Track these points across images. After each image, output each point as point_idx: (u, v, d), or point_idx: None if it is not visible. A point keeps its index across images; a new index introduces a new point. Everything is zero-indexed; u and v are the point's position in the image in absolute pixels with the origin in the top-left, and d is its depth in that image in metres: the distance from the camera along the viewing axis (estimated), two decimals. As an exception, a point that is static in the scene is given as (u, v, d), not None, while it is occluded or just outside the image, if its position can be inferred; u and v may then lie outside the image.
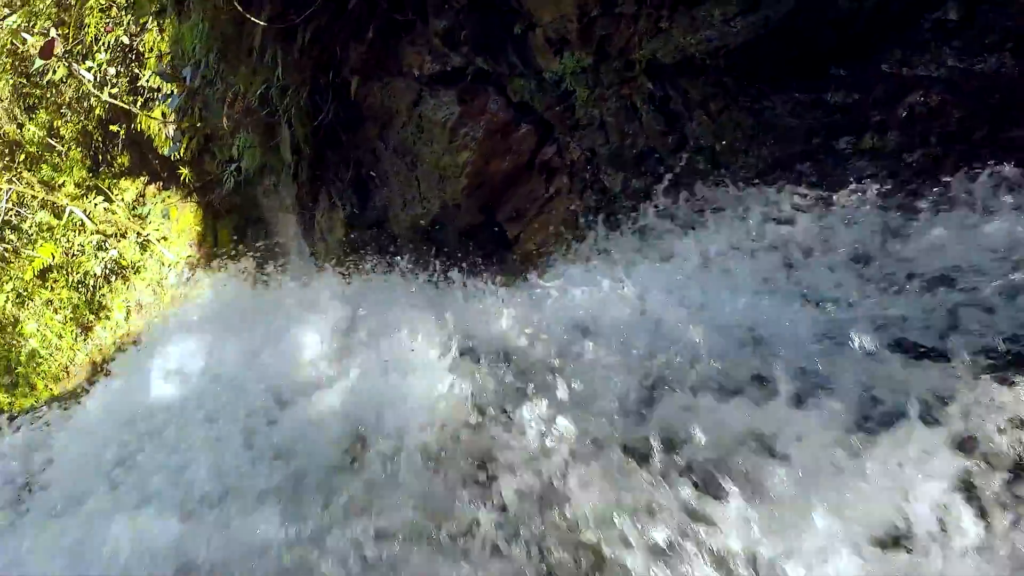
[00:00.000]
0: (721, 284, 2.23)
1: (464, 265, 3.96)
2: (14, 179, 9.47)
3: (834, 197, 2.52)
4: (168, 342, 3.21)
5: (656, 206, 3.03)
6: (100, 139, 9.64)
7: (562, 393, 1.84)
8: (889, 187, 2.48)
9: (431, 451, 1.79)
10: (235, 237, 9.02)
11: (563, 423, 1.71)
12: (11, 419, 3.19)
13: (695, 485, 1.49)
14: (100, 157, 9.76)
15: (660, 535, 1.43)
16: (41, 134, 9.56)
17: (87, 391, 3.29)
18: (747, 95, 2.90)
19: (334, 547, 1.60)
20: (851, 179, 2.56)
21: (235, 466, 2.02)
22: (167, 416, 2.55)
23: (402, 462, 1.81)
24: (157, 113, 8.68)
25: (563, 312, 2.29)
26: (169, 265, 9.58)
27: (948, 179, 2.38)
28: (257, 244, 8.69)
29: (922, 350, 1.75)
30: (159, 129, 8.79)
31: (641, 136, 3.28)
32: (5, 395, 10.37)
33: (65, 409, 3.16)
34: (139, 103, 8.73)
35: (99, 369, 10.13)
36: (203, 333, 3.18)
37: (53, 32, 7.98)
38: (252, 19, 4.53)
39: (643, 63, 3.02)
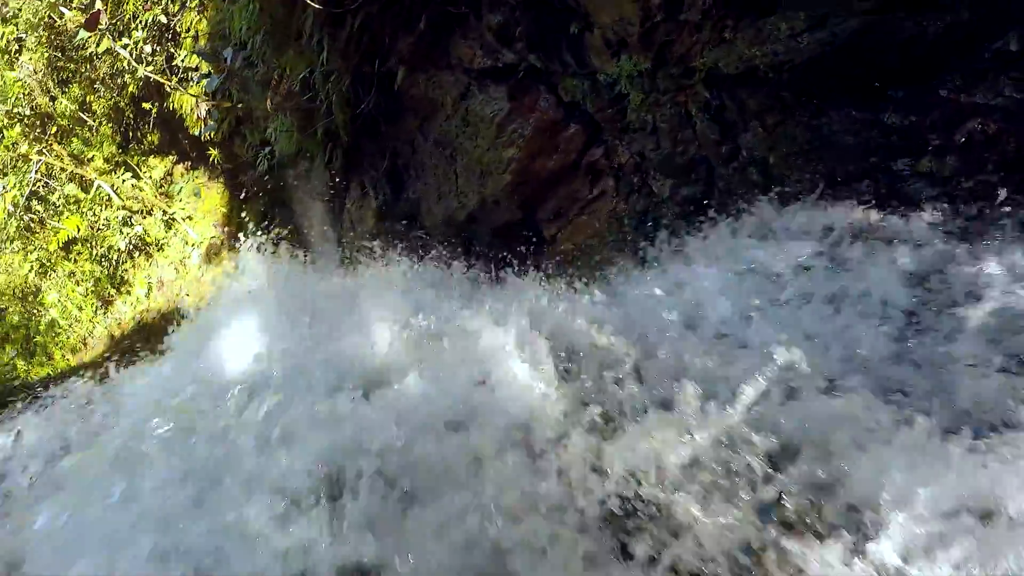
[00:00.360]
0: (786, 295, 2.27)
1: (513, 261, 4.03)
2: (44, 151, 9.55)
3: (892, 217, 2.56)
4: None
5: (708, 214, 3.07)
6: (131, 116, 9.70)
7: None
8: (946, 211, 2.52)
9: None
10: (261, 221, 9.08)
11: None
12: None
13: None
14: (130, 134, 9.83)
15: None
16: (73, 108, 9.63)
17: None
18: (804, 110, 2.94)
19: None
20: (908, 200, 2.60)
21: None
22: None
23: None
24: (192, 93, 8.74)
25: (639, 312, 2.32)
26: (193, 244, 9.65)
27: (1007, 208, 2.42)
28: (284, 229, 8.77)
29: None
30: (191, 109, 8.85)
31: (693, 144, 3.32)
32: (23, 363, 10.48)
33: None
34: (173, 82, 8.79)
35: (117, 342, 10.23)
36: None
37: (99, 3, 8.04)
38: (308, 1, 4.57)
39: (703, 71, 3.07)
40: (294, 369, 2.51)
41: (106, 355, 9.62)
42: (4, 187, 9.16)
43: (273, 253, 5.47)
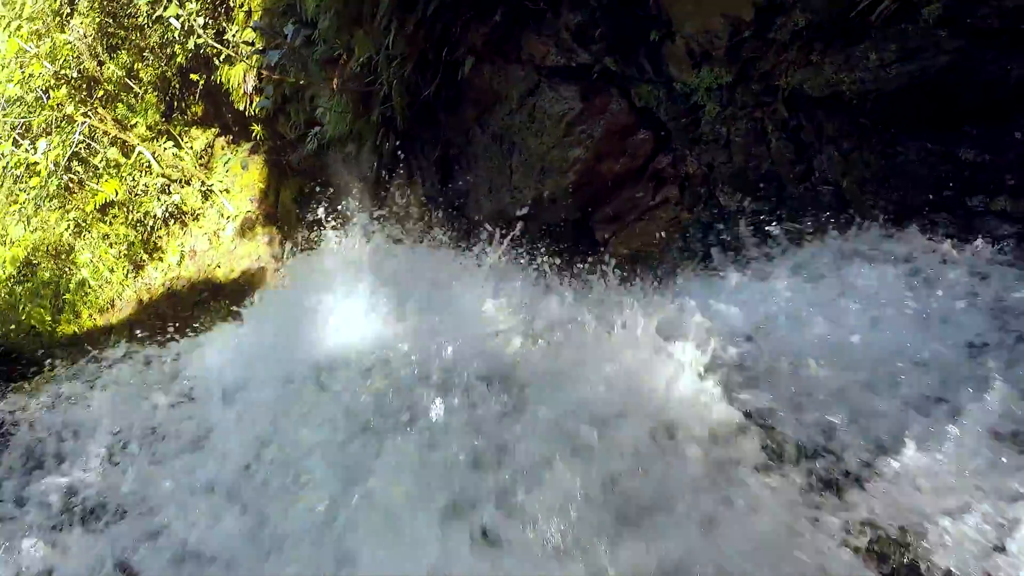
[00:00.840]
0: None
1: (567, 259, 4.12)
2: (89, 113, 9.68)
3: (964, 249, 2.67)
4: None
5: (777, 231, 3.19)
6: (177, 86, 9.83)
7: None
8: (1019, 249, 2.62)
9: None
10: (299, 199, 9.21)
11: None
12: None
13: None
14: (175, 103, 9.96)
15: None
16: (120, 74, 9.76)
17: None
18: (881, 137, 3.04)
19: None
20: (982, 236, 2.70)
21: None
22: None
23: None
24: (240, 68, 8.86)
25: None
26: (228, 217, 9.79)
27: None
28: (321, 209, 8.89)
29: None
30: (238, 83, 8.97)
31: (766, 160, 3.43)
32: (50, 318, 10.63)
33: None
34: (222, 56, 8.90)
35: (144, 306, 10.38)
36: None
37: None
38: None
39: (786, 91, 3.18)
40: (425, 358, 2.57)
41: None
42: (48, 145, 9.29)
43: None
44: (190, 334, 4.03)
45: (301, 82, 6.47)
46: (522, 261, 4.33)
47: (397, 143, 6.33)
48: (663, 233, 4.01)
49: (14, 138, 9.56)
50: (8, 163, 9.55)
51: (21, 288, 10.67)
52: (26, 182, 9.76)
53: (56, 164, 9.52)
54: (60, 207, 9.95)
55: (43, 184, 9.42)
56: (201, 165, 9.92)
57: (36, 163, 9.39)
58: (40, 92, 9.52)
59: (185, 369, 3.33)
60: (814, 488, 1.81)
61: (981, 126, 2.85)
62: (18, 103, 9.54)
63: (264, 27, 7.39)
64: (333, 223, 4.33)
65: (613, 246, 4.56)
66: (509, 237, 4.54)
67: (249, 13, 8.64)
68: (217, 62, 8.91)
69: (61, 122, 9.66)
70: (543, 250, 4.70)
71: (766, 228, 3.27)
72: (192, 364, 3.39)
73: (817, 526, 1.72)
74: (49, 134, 9.66)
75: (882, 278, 2.48)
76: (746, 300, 2.62)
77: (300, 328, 3.17)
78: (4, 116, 9.61)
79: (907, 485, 1.71)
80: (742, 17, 3.20)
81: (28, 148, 9.45)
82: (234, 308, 4.36)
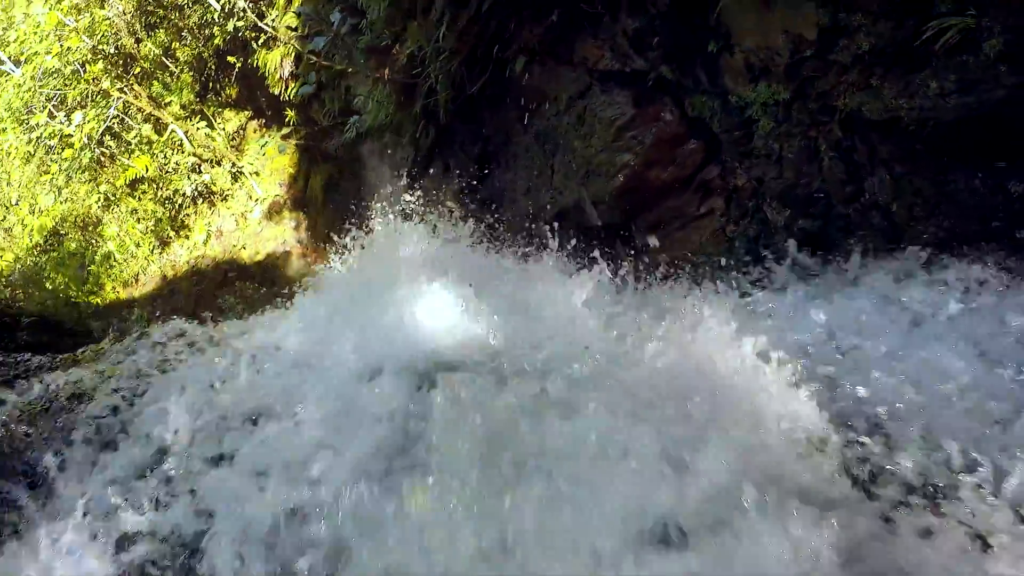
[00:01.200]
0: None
1: (606, 262, 4.21)
2: (125, 89, 9.80)
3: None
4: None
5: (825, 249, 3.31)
6: (213, 67, 9.94)
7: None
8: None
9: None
10: (328, 186, 9.33)
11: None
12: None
13: None
14: (210, 84, 10.08)
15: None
16: (157, 52, 9.88)
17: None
18: (934, 165, 3.15)
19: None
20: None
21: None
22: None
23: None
24: (277, 53, 8.97)
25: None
26: (256, 200, 9.92)
27: None
28: (349, 197, 9.02)
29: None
30: (275, 68, 9.08)
31: (817, 179, 3.52)
32: (74, 287, 10.79)
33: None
34: (261, 40, 9.01)
35: (167, 281, 10.52)
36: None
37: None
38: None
39: (843, 112, 3.29)
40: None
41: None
42: (83, 118, 9.41)
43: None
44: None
45: (349, 70, 6.51)
46: (570, 261, 4.44)
47: (436, 137, 6.44)
48: (703, 241, 4.11)
49: (49, 109, 9.68)
50: (42, 134, 9.67)
51: (46, 257, 10.82)
52: (59, 153, 9.88)
53: (89, 137, 9.64)
54: (91, 180, 10.07)
55: (76, 156, 9.54)
56: (232, 147, 10.05)
57: (70, 135, 9.50)
58: (77, 66, 9.63)
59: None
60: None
61: (1033, 162, 2.96)
62: (55, 75, 9.65)
63: (309, 13, 7.49)
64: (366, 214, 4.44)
65: (654, 252, 4.67)
66: (556, 238, 4.65)
67: (290, -1, 8.76)
68: (255, 46, 9.01)
69: (96, 96, 9.78)
70: (585, 250, 4.78)
71: (813, 246, 3.38)
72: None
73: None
74: (84, 107, 9.77)
75: (935, 302, 2.58)
76: (806, 314, 2.72)
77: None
78: (40, 87, 9.71)
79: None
80: (805, 36, 3.30)
81: (63, 120, 9.56)
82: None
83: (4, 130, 9.73)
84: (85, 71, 9.74)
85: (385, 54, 6.30)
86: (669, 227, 4.47)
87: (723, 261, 3.84)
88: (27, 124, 9.74)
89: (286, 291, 4.68)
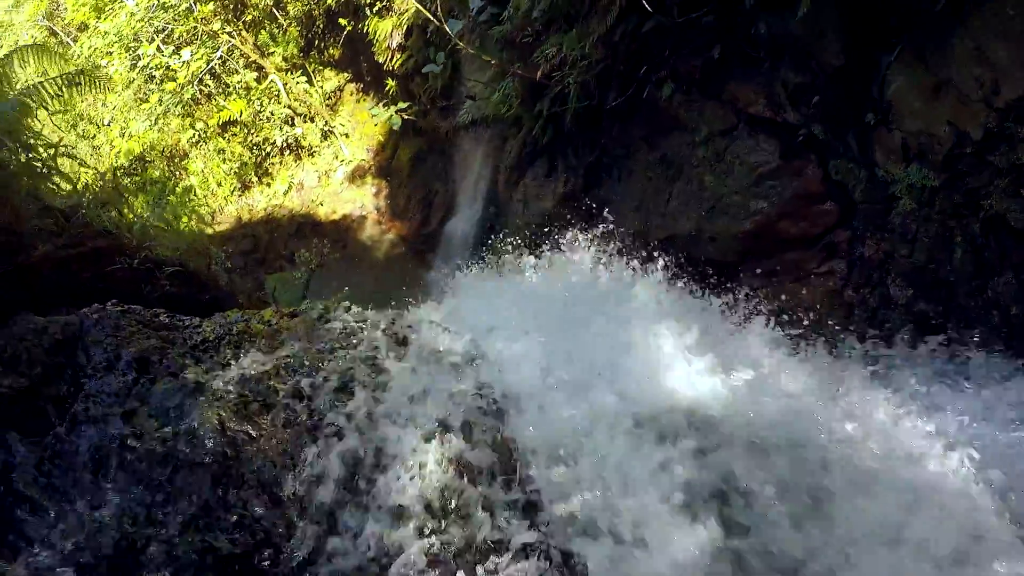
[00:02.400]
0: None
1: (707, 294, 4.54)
2: (233, 34, 10.15)
3: None
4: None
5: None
6: (321, 26, 10.27)
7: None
8: None
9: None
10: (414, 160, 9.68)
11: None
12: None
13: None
14: (315, 42, 10.41)
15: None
16: (268, 2, 10.21)
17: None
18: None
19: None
20: None
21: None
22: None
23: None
24: (389, 23, 9.25)
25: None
26: (342, 161, 10.29)
27: None
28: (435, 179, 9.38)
29: None
30: (384, 37, 9.37)
31: (946, 267, 3.82)
32: (149, 212, 11.20)
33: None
34: (375, 7, 9.28)
35: (242, 224, 10.91)
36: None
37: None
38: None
39: (987, 212, 3.60)
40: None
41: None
42: (191, 55, 9.77)
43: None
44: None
45: (483, 57, 6.77)
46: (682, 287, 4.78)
47: (554, 137, 6.72)
48: (816, 300, 4.42)
49: (158, 44, 10.03)
50: (147, 64, 10.03)
51: (129, 180, 11.22)
52: (159, 84, 10.24)
53: (193, 75, 9.99)
54: (185, 115, 10.43)
55: (178, 91, 9.91)
56: (328, 106, 10.40)
57: (175, 70, 9.86)
58: (191, 2, 9.96)
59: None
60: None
61: None
62: (168, 9, 9.99)
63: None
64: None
65: (755, 298, 4.93)
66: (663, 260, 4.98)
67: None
68: (368, 12, 9.30)
69: (204, 36, 10.11)
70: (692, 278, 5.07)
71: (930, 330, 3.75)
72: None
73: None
74: (189, 44, 10.13)
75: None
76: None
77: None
78: (151, 18, 10.06)
79: None
80: (969, 133, 3.61)
81: (170, 55, 9.90)
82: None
83: (110, 54, 10.07)
84: (196, 9, 10.07)
85: (521, 49, 6.53)
86: (783, 277, 4.76)
87: (841, 325, 4.18)
88: (133, 52, 10.08)
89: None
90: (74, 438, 2.29)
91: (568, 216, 6.85)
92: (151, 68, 10.00)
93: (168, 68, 9.89)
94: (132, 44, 10.11)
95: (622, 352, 3.71)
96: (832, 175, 4.39)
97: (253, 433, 2.45)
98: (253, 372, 2.71)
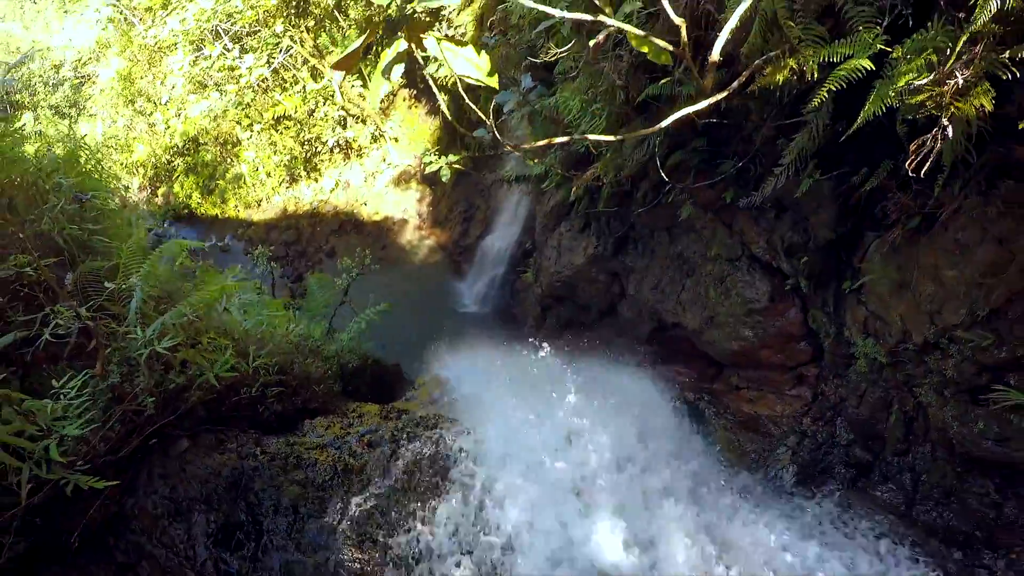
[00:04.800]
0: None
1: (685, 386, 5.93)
2: (295, 38, 11.22)
3: None
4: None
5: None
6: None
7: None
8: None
9: None
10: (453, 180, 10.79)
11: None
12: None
13: None
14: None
15: None
16: (329, 4, 11.24)
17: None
18: (961, 472, 4.74)
19: None
20: None
21: None
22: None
23: None
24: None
25: None
26: (389, 164, 11.49)
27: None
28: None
29: None
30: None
31: (882, 425, 4.91)
32: (199, 196, 12.57)
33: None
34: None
35: (287, 215, 12.23)
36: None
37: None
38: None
39: (917, 399, 4.80)
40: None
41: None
42: (254, 60, 10.91)
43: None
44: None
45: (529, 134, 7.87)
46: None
47: (588, 208, 7.84)
48: (786, 417, 5.73)
49: (224, 44, 11.13)
50: (211, 65, 11.16)
51: (181, 160, 12.56)
52: (219, 85, 11.39)
53: (255, 77, 11.13)
54: (242, 104, 11.64)
55: (239, 91, 11.09)
56: (380, 109, 11.55)
57: (237, 70, 11.00)
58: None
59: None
60: None
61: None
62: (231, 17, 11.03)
63: (505, 75, 8.73)
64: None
65: (735, 400, 6.19)
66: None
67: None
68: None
69: (268, 38, 11.19)
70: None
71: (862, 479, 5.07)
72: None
73: None
74: (252, 36, 11.22)
75: None
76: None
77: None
78: (218, 16, 11.12)
79: None
80: (911, 333, 4.69)
81: (235, 58, 11.00)
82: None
83: (175, 47, 11.23)
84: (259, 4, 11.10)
85: (565, 126, 7.61)
86: (763, 387, 6.02)
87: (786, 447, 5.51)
88: (198, 47, 11.21)
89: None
90: (266, 559, 3.79)
91: (593, 269, 7.99)
92: (214, 69, 11.12)
93: (231, 69, 11.01)
94: (197, 40, 11.22)
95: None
96: (810, 323, 5.54)
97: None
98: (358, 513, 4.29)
